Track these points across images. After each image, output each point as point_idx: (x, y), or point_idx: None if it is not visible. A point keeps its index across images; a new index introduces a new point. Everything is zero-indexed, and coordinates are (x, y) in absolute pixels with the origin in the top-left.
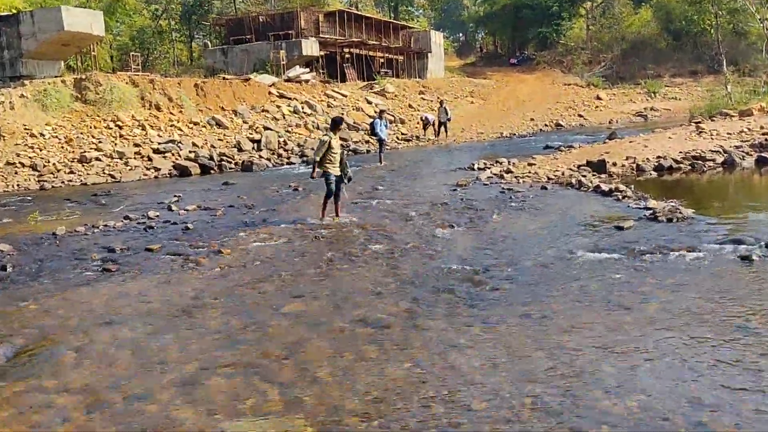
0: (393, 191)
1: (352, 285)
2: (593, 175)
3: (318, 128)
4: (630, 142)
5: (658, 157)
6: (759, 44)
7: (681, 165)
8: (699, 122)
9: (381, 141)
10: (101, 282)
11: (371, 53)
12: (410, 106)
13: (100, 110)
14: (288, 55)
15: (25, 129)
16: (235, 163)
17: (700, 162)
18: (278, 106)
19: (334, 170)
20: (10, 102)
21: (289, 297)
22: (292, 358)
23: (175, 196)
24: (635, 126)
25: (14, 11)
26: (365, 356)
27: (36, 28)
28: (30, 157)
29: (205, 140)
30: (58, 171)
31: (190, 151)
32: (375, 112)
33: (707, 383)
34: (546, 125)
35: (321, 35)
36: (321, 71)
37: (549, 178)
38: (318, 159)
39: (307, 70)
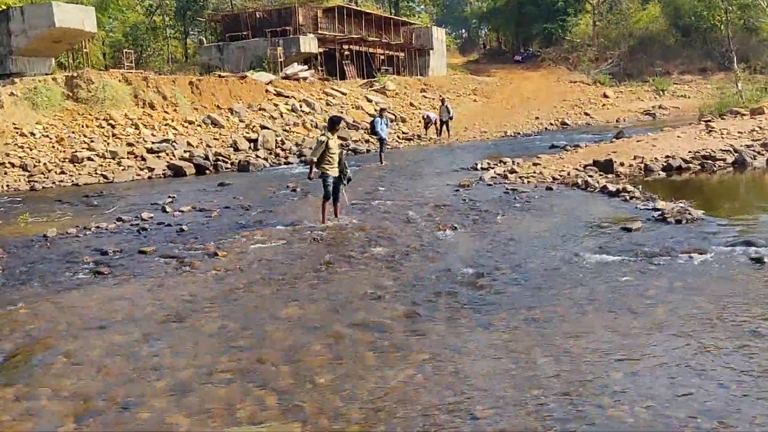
0: (394, 192)
1: (351, 288)
2: (600, 176)
3: (316, 127)
4: (638, 141)
5: (667, 156)
6: None
7: (690, 165)
8: (709, 121)
9: (381, 140)
10: (93, 285)
11: (371, 50)
12: (411, 104)
13: (92, 109)
14: (285, 52)
15: (15, 128)
16: (231, 163)
17: (710, 162)
18: (275, 105)
19: (333, 171)
20: (0, 100)
21: (286, 301)
22: (290, 364)
23: (169, 197)
24: (643, 125)
25: (3, 7)
26: (365, 362)
27: (26, 24)
28: (20, 157)
29: (201, 139)
30: (49, 171)
31: (184, 151)
32: (375, 110)
33: (718, 391)
34: (551, 124)
35: (319, 31)
36: (320, 68)
37: (554, 179)
38: (315, 160)
39: (306, 67)
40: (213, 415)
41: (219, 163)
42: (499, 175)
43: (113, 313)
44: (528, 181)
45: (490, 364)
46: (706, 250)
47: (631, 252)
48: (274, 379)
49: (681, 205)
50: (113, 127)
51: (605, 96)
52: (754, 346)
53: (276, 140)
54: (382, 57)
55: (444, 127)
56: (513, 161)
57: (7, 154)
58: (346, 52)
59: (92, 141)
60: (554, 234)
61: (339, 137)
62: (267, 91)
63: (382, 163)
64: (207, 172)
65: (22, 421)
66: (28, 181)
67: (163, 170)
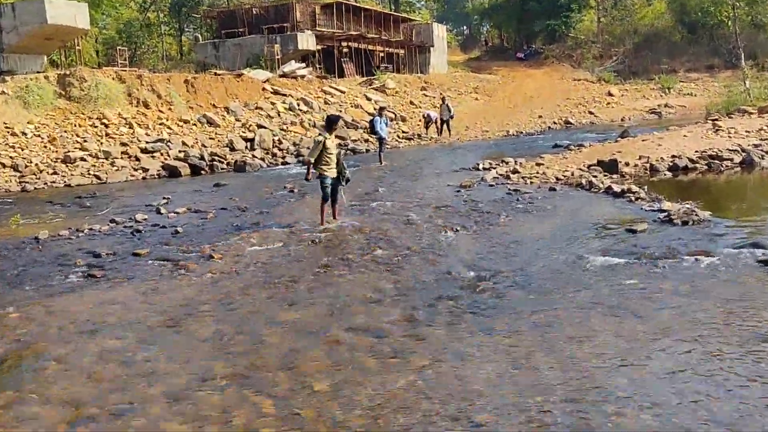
0: (394, 193)
1: (350, 292)
2: (604, 176)
3: (314, 126)
4: (643, 140)
5: (673, 156)
6: None
7: (697, 165)
8: (716, 120)
9: (381, 140)
10: (86, 289)
11: (371, 47)
12: (412, 102)
13: (85, 107)
14: (283, 49)
15: (6, 127)
16: (227, 163)
17: (717, 161)
18: (273, 103)
19: (330, 172)
20: None
21: (284, 305)
22: (287, 370)
23: (164, 198)
24: (648, 124)
25: None
26: (364, 367)
27: (18, 21)
28: (11, 157)
29: (196, 139)
30: (41, 172)
31: (179, 151)
32: (375, 109)
33: (726, 397)
34: (555, 123)
35: (318, 28)
36: (318, 66)
37: (558, 179)
38: (312, 160)
39: (303, 65)
40: (208, 422)
41: (215, 163)
42: (501, 175)
43: (106, 318)
44: (531, 182)
45: (492, 370)
46: (713, 253)
47: (637, 254)
48: (270, 385)
49: (687, 206)
50: (106, 126)
51: (610, 94)
52: (763, 351)
53: (273, 140)
54: (381, 54)
55: (445, 126)
56: (515, 161)
57: None
58: (345, 50)
59: (85, 141)
60: (558, 236)
61: (337, 137)
62: (264, 89)
63: (381, 163)
64: (202, 172)
65: (12, 429)
66: (20, 182)
67: (158, 171)
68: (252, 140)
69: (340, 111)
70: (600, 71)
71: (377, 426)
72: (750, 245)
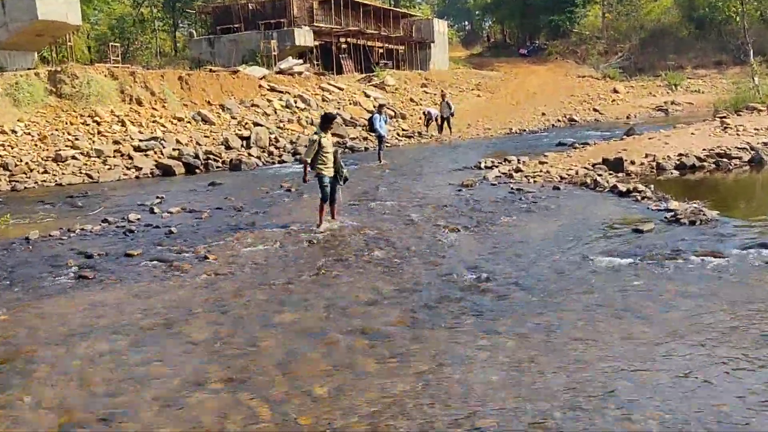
0: (393, 192)
1: (348, 293)
2: (610, 175)
3: (312, 124)
4: (649, 138)
5: (680, 154)
6: None
7: (704, 163)
8: (724, 117)
9: (380, 138)
10: (78, 290)
11: (370, 43)
12: (412, 100)
13: (76, 105)
14: (279, 45)
15: None
16: (223, 162)
17: (725, 160)
18: (269, 101)
19: (328, 171)
20: None
21: (280, 306)
22: (284, 373)
23: (157, 197)
24: (655, 121)
25: None
26: (363, 370)
27: (7, 17)
28: (0, 156)
29: (190, 137)
30: (31, 171)
31: (173, 149)
32: (374, 106)
33: (734, 402)
34: (558, 120)
35: (315, 24)
36: (315, 63)
37: (562, 178)
38: (309, 160)
39: (301, 61)
40: (202, 427)
41: (210, 161)
42: (503, 174)
43: (98, 320)
44: (534, 181)
45: (494, 374)
46: (721, 253)
47: (643, 255)
48: (267, 389)
49: (695, 205)
50: (99, 124)
51: (615, 91)
52: None
53: (269, 138)
54: (380, 50)
55: (445, 123)
56: (518, 159)
57: None
58: (343, 46)
59: (76, 139)
60: (562, 236)
61: (335, 135)
62: (260, 86)
63: (381, 161)
64: (197, 171)
65: None
66: (9, 181)
67: (151, 169)
68: (248, 138)
69: (339, 108)
70: (605, 68)
71: (377, 430)
72: (758, 245)
